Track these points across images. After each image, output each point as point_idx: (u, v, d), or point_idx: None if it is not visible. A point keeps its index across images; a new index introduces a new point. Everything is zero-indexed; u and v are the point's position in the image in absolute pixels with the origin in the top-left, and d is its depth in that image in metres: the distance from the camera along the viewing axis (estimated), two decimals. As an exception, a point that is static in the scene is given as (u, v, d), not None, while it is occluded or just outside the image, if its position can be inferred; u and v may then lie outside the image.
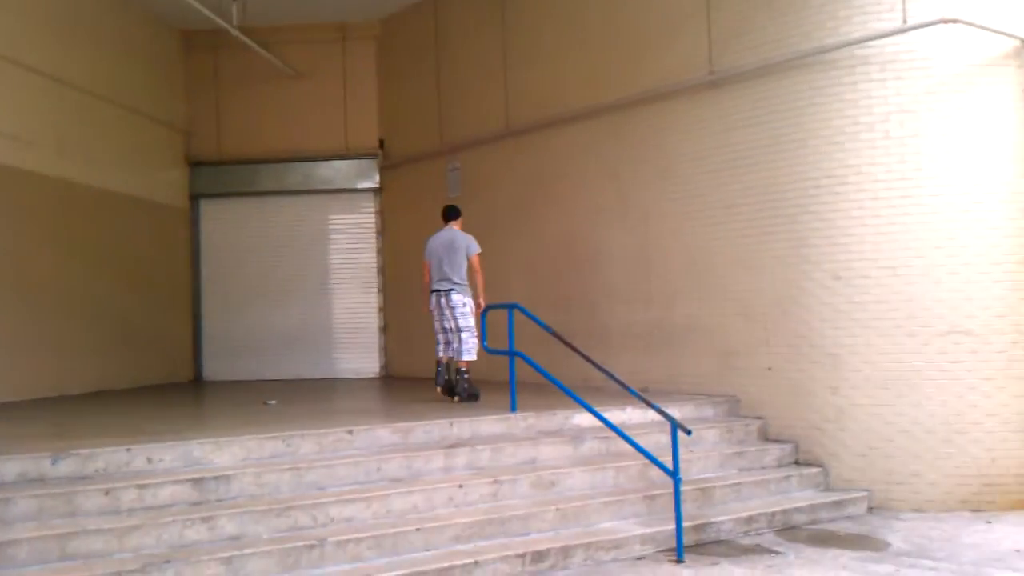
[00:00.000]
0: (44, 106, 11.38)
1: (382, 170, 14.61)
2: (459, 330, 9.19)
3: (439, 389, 9.48)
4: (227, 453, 6.51)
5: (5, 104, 10.71)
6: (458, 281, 9.24)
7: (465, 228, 9.70)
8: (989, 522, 7.45)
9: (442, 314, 9.36)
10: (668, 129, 9.80)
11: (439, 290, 9.32)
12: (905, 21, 8.00)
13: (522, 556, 6.06)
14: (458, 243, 9.31)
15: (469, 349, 9.24)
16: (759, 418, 8.78)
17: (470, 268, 9.28)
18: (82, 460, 6.04)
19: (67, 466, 5.98)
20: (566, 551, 6.25)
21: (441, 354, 9.47)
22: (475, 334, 9.23)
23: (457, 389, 9.31)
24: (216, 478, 6.09)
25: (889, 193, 8.09)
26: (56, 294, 11.39)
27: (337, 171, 14.74)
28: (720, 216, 9.23)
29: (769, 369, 8.76)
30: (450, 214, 9.68)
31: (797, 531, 7.29)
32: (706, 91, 9.37)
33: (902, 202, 8.05)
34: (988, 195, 7.97)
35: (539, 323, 7.97)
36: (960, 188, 7.98)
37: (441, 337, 9.44)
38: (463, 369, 9.30)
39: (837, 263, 8.30)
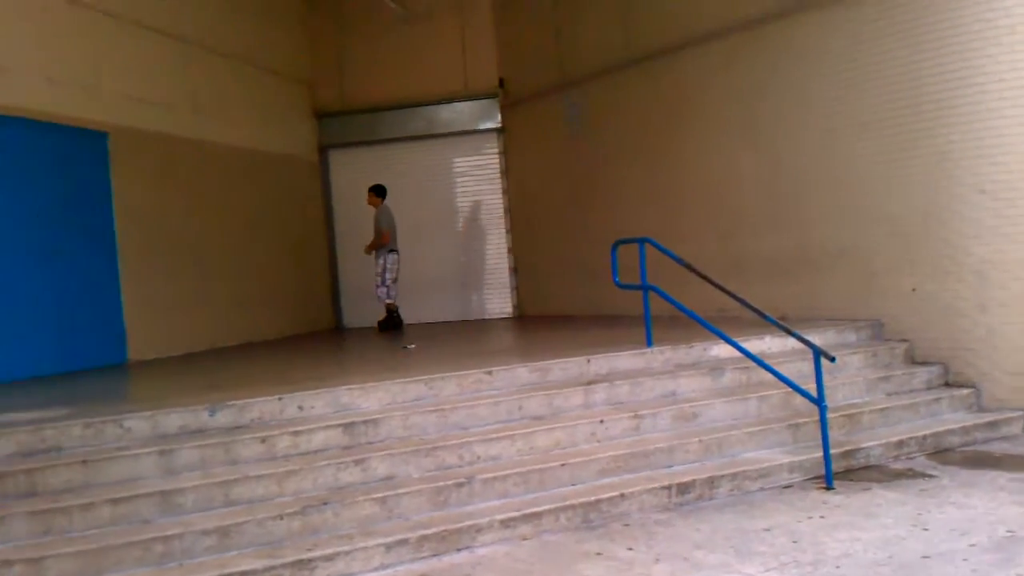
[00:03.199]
0: (174, 68, 11.71)
1: (503, 109, 14.59)
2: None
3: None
4: (373, 398, 6.71)
5: (139, 69, 11.07)
6: None
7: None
8: None
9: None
10: (799, 44, 9.42)
11: (399, 252, 12.95)
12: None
13: (668, 488, 6.08)
14: None
15: None
16: (904, 341, 8.50)
17: None
18: (238, 410, 6.32)
19: (224, 417, 6.26)
20: (712, 481, 6.24)
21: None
22: None
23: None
24: (365, 422, 6.30)
25: (1035, 98, 7.63)
26: (199, 252, 11.84)
27: (459, 113, 14.79)
28: (856, 134, 8.87)
29: (913, 290, 8.45)
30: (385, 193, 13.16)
31: (950, 454, 7.09)
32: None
33: (1051, 106, 7.58)
34: None
35: (670, 255, 7.83)
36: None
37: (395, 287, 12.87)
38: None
39: (981, 176, 7.90)
